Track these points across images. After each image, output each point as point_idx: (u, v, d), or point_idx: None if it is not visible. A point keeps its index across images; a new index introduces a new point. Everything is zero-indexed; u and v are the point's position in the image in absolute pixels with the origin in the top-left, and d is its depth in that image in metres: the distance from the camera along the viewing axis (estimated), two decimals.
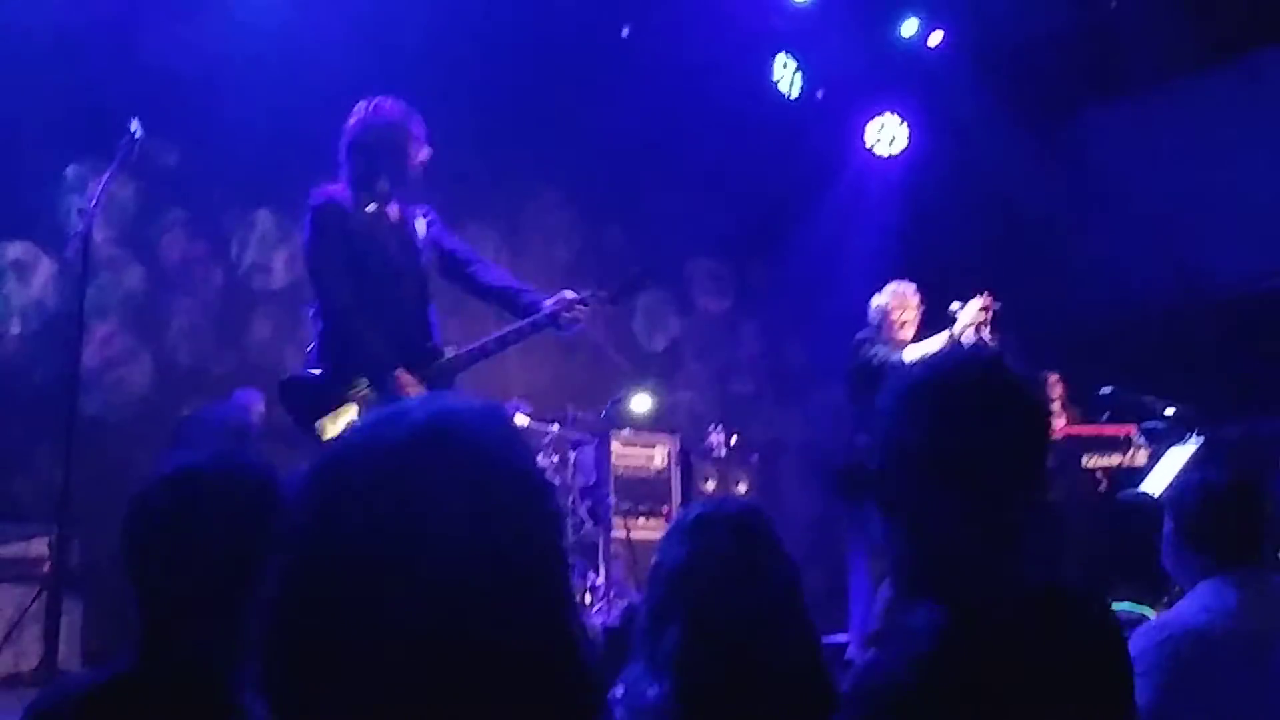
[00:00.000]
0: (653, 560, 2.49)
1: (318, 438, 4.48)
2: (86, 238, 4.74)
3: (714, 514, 2.43)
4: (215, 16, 7.26)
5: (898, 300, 6.97)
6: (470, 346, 4.80)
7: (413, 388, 4.51)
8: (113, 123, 4.92)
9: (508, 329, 4.85)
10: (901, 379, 2.02)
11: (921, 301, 7.03)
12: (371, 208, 4.70)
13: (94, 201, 4.81)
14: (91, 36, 6.91)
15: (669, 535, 2.46)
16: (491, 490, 1.17)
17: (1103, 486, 7.29)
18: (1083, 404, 8.00)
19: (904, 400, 1.96)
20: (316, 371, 4.63)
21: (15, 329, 6.80)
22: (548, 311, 4.78)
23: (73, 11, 6.85)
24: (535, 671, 1.14)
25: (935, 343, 6.58)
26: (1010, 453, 1.89)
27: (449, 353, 4.74)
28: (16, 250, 6.88)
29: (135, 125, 4.80)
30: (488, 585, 1.12)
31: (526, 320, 4.81)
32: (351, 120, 4.82)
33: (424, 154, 4.81)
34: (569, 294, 4.83)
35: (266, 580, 1.19)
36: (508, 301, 4.96)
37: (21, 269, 6.86)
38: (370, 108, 4.81)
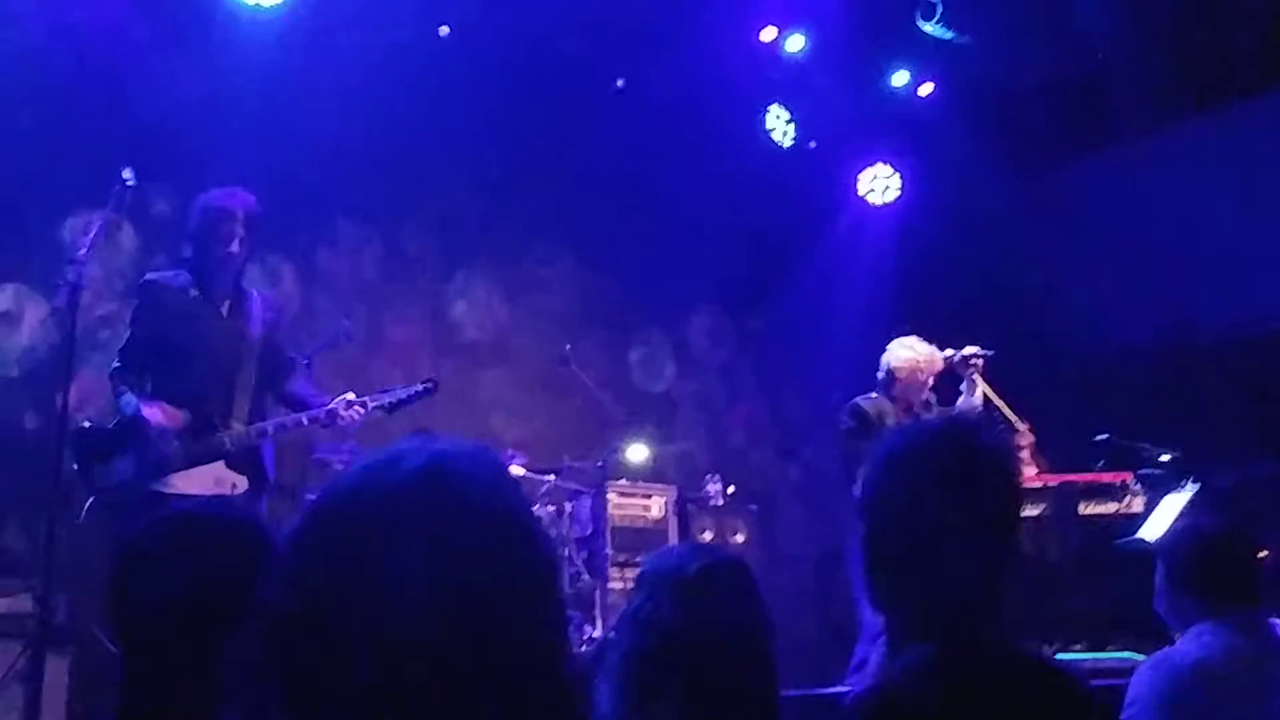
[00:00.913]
0: (631, 608, 2.41)
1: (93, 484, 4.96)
2: (76, 287, 4.73)
3: (714, 566, 2.37)
4: (205, 65, 7.28)
5: (915, 364, 6.92)
6: (249, 429, 5.15)
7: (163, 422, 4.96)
8: (111, 174, 4.94)
9: (286, 418, 5.29)
10: (882, 448, 2.15)
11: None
12: (193, 293, 5.16)
13: (85, 250, 4.81)
14: (86, 88, 6.95)
15: (659, 587, 2.36)
16: (486, 536, 1.16)
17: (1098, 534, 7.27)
18: (1075, 451, 7.97)
19: (883, 469, 2.09)
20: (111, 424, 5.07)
21: (12, 372, 6.78)
22: (325, 409, 5.25)
23: (66, 64, 6.89)
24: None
25: None
26: (977, 519, 1.99)
27: (235, 429, 5.09)
28: (8, 296, 6.87)
29: (128, 173, 4.84)
30: (483, 632, 1.11)
31: (305, 413, 5.29)
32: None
33: (234, 242, 5.20)
34: (351, 397, 5.28)
35: (256, 625, 1.17)
36: (299, 406, 5.43)
37: (10, 318, 6.85)
38: (199, 199, 5.25)
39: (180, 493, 4.86)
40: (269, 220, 7.56)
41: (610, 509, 8.05)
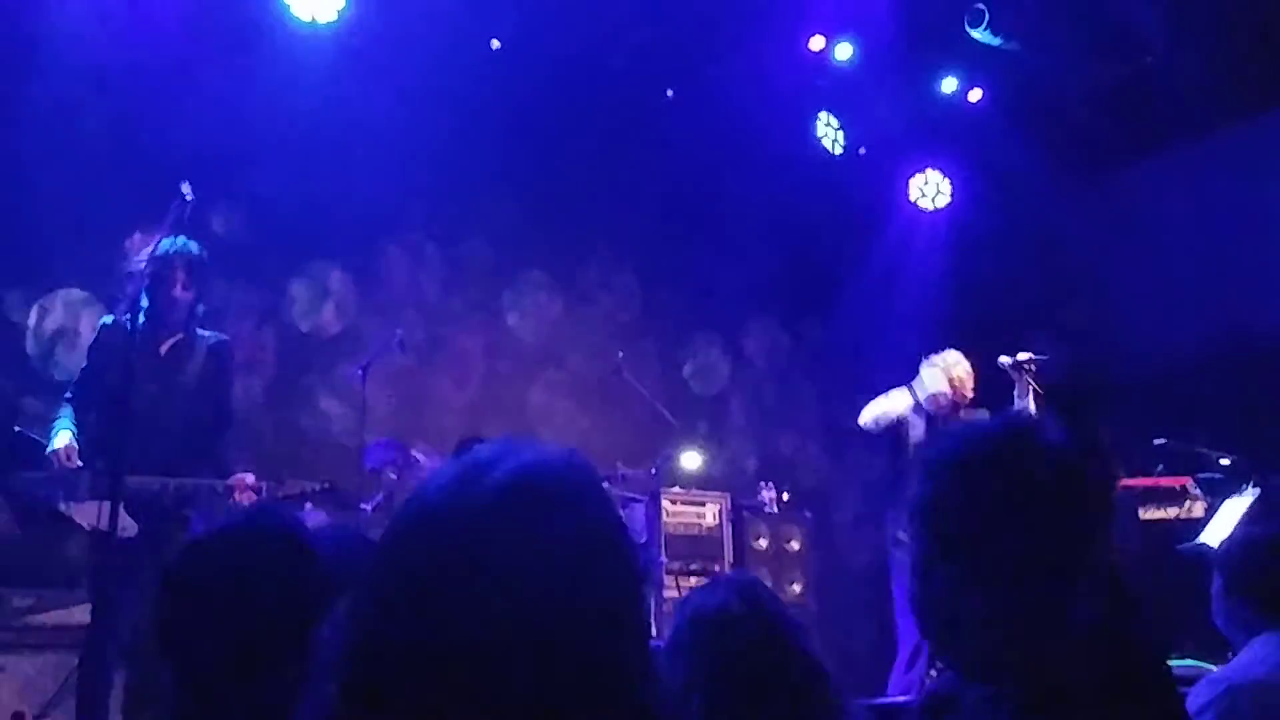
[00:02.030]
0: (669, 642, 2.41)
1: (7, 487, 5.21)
2: (136, 300, 4.77)
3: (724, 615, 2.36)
4: (262, 82, 7.36)
5: (948, 381, 6.92)
6: (149, 480, 5.13)
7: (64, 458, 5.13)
8: (170, 189, 4.98)
9: (185, 480, 5.24)
10: (934, 452, 1.97)
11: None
12: (137, 335, 5.09)
13: (144, 264, 4.85)
14: (145, 105, 7.04)
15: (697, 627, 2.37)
16: (574, 548, 1.14)
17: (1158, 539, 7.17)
18: (1135, 455, 7.88)
19: (936, 473, 1.91)
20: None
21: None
22: (209, 482, 5.27)
23: (126, 81, 6.99)
24: None
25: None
26: (1034, 529, 1.80)
27: (141, 479, 5.07)
28: (58, 313, 6.98)
29: (186, 188, 4.84)
30: (570, 645, 1.09)
31: (201, 482, 5.27)
32: None
33: (179, 286, 5.29)
34: (249, 478, 5.26)
35: (341, 640, 1.15)
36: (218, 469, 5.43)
37: (68, 333, 6.96)
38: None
39: (75, 519, 5.09)
40: (325, 233, 7.69)
41: (664, 516, 8.06)
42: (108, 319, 5.44)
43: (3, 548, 6.36)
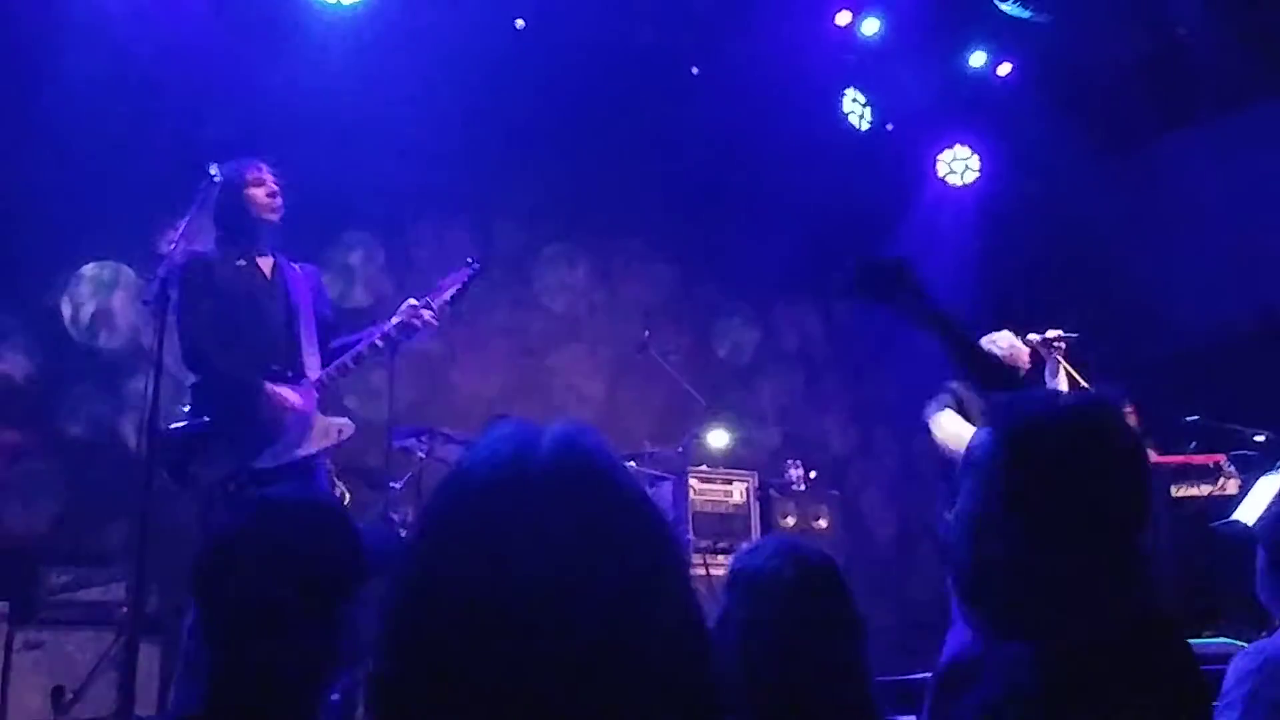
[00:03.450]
0: (723, 609, 2.40)
1: (194, 484, 4.80)
2: (165, 281, 4.77)
3: (809, 575, 2.34)
4: (287, 62, 7.38)
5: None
6: (327, 369, 5.06)
7: (290, 396, 4.88)
8: (198, 170, 4.98)
9: (360, 345, 5.11)
10: (1000, 425, 2.00)
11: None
12: (241, 263, 5.06)
13: (173, 245, 4.85)
14: (172, 86, 7.08)
15: (752, 591, 2.35)
16: (627, 515, 1.14)
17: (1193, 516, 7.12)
18: (1168, 433, 7.84)
19: (1002, 447, 1.94)
20: (204, 419, 4.86)
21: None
22: (395, 322, 5.12)
23: (153, 62, 7.02)
24: (674, 706, 1.10)
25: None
26: (1112, 497, 1.90)
27: (310, 376, 5.00)
28: (87, 290, 7.03)
29: (214, 169, 4.85)
30: (626, 618, 1.08)
31: (376, 332, 5.12)
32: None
33: (266, 196, 5.13)
34: (412, 301, 5.16)
35: (384, 617, 1.14)
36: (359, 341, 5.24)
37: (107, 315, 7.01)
38: (226, 172, 5.05)
39: (295, 459, 4.86)
40: (352, 213, 7.70)
41: (692, 495, 8.06)
42: (198, 249, 5.07)
43: (41, 528, 6.46)
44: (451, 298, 5.28)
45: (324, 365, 5.13)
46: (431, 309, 5.16)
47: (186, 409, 4.95)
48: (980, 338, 6.83)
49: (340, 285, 7.84)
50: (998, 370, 2.94)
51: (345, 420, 5.05)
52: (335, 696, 4.57)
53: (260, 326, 5.00)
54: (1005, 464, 1.92)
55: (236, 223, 5.09)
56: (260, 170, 5.15)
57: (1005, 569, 1.90)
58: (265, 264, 5.16)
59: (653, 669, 1.08)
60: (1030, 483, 1.89)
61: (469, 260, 5.39)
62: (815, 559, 2.40)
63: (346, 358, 5.08)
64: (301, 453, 4.89)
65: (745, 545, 2.81)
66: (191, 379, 4.99)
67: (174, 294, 4.82)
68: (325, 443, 4.97)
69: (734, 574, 2.45)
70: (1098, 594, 1.86)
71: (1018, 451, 1.92)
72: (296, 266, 5.29)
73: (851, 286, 2.76)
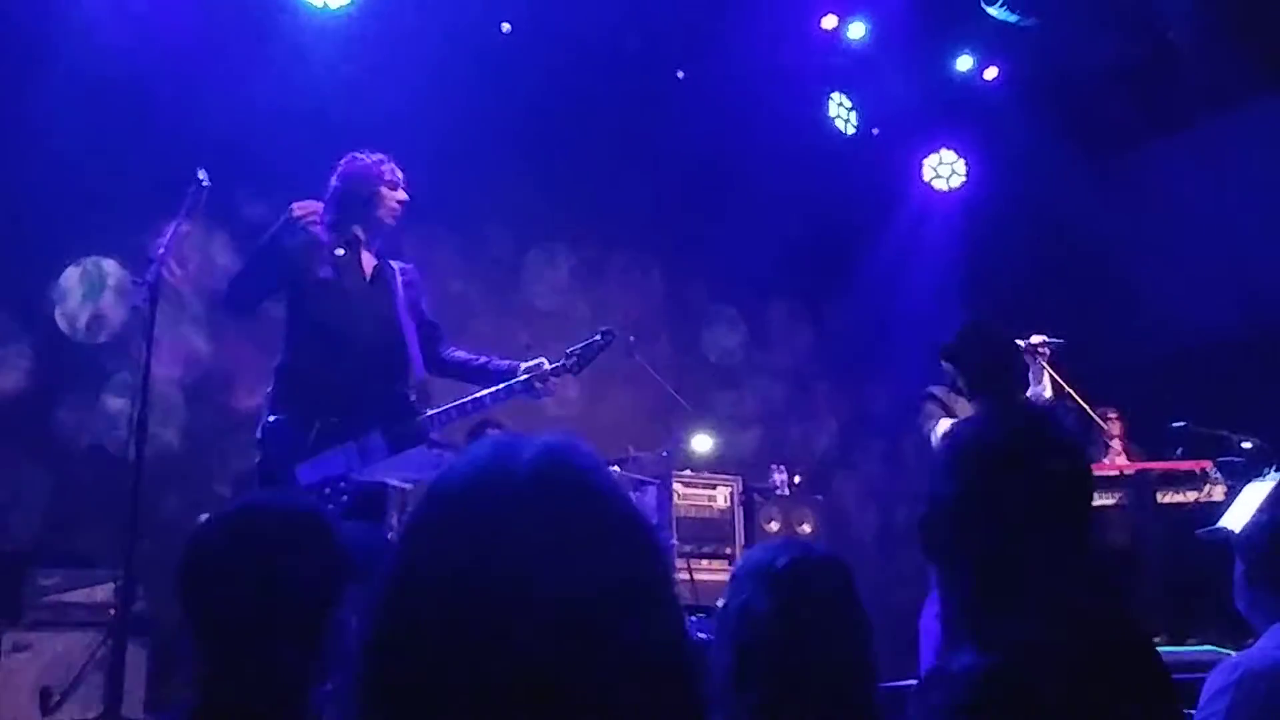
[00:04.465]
0: (724, 601, 2.42)
1: (295, 484, 4.59)
2: (155, 285, 4.76)
3: (807, 562, 2.36)
4: (275, 66, 7.37)
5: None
6: (447, 407, 4.89)
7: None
8: (188, 175, 4.95)
9: (485, 393, 4.94)
10: (949, 439, 2.09)
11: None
12: (341, 252, 4.89)
13: (163, 249, 4.83)
14: (162, 91, 7.06)
15: (748, 579, 2.37)
16: (612, 522, 1.15)
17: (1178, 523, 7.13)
18: (1154, 439, 7.87)
19: (947, 457, 2.05)
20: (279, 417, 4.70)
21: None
22: (523, 379, 4.96)
23: (142, 67, 7.00)
24: (658, 712, 1.11)
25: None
26: (1046, 506, 1.95)
27: (428, 411, 4.82)
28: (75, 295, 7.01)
29: (203, 174, 4.83)
30: (610, 626, 1.09)
31: (504, 386, 4.94)
32: (332, 172, 5.05)
33: (395, 201, 5.06)
34: (545, 364, 5.01)
35: (367, 621, 1.15)
36: (476, 374, 5.12)
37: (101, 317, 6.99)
38: (346, 160, 5.05)
39: (387, 482, 4.71)
40: None
41: (676, 499, 8.07)
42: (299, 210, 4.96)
43: (29, 529, 6.45)
44: (582, 366, 5.14)
45: (427, 367, 5.00)
46: (559, 376, 5.04)
47: (270, 396, 4.79)
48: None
49: None
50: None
51: (445, 455, 4.78)
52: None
53: (362, 328, 4.84)
54: (942, 476, 2.01)
55: (358, 212, 4.98)
56: (397, 174, 5.09)
57: (959, 579, 1.97)
58: (367, 262, 5.02)
59: (636, 675, 1.09)
60: (970, 494, 1.97)
61: (605, 330, 5.24)
62: (820, 556, 2.41)
63: (468, 402, 4.91)
64: (393, 479, 4.75)
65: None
66: (278, 362, 4.83)
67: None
68: (418, 476, 4.76)
69: (739, 566, 2.47)
70: (1053, 603, 1.90)
71: (950, 463, 2.01)
72: (395, 265, 5.14)
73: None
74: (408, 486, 4.91)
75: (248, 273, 4.93)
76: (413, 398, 4.80)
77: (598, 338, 5.17)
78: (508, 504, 1.12)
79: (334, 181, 5.02)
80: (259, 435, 4.70)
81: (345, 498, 4.57)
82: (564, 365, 5.04)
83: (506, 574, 1.08)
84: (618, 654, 1.08)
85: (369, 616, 1.14)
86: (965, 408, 6.38)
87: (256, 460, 4.72)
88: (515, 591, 1.07)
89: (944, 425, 6.38)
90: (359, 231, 4.98)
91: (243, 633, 2.04)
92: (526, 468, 1.15)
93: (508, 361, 5.11)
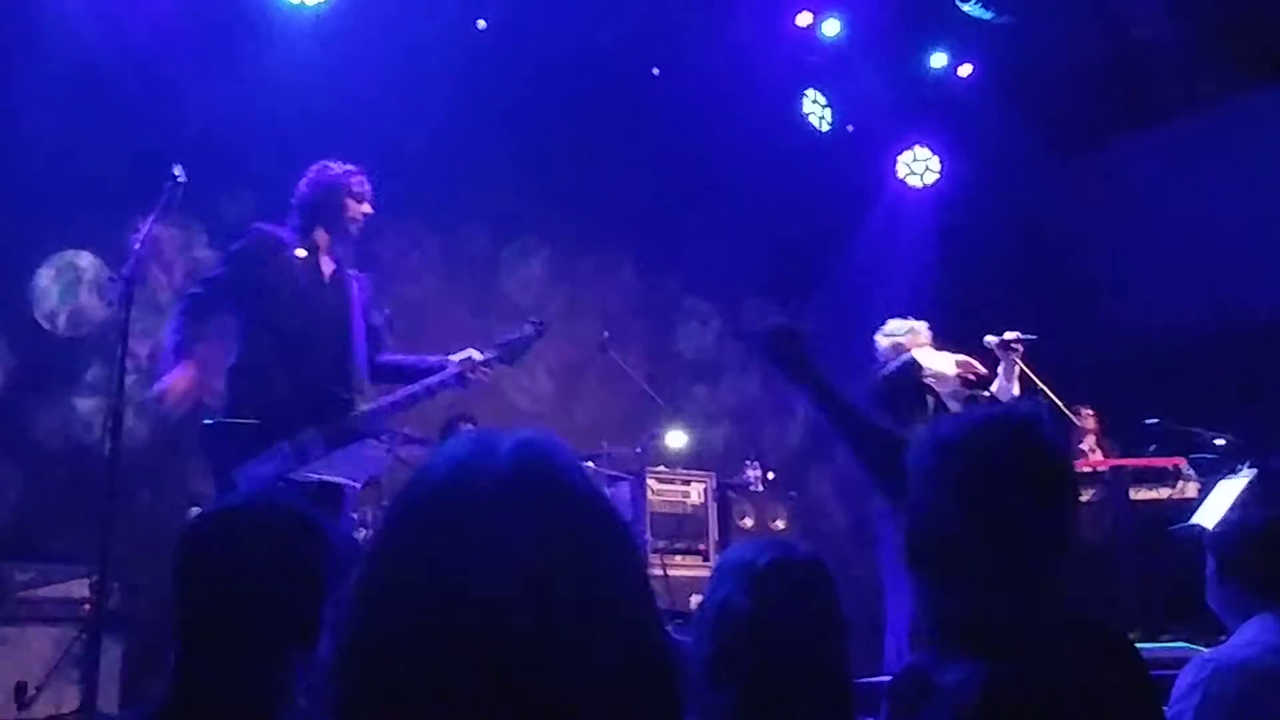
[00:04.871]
0: (703, 599, 2.43)
1: (233, 485, 4.64)
2: (130, 281, 4.73)
3: (789, 562, 2.37)
4: (250, 64, 7.35)
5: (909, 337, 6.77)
6: (381, 402, 4.99)
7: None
8: (164, 172, 4.92)
9: (417, 386, 5.04)
10: (931, 439, 2.06)
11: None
12: (303, 253, 4.98)
13: (138, 245, 4.80)
14: (137, 89, 7.01)
15: (729, 576, 2.38)
16: (588, 516, 1.16)
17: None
18: (1128, 435, 7.92)
19: (933, 460, 2.01)
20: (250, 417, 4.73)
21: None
22: (454, 371, 5.05)
23: (117, 64, 6.96)
24: (633, 706, 1.12)
25: (947, 362, 6.39)
26: (1038, 513, 1.94)
27: (361, 407, 4.88)
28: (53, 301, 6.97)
29: (178, 170, 4.80)
30: (586, 621, 1.09)
31: (435, 379, 5.04)
32: (302, 180, 5.13)
33: (360, 213, 5.12)
34: (474, 355, 5.09)
35: (343, 616, 1.15)
36: (411, 373, 5.19)
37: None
38: (317, 169, 5.13)
39: (325, 480, 4.71)
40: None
41: (650, 495, 8.07)
42: (264, 225, 5.05)
43: (3, 524, 6.41)
44: (511, 355, 5.27)
45: (369, 376, 5.08)
46: (490, 367, 5.14)
47: (224, 397, 4.81)
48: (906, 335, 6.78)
49: None
50: (876, 437, 3.00)
51: (390, 450, 4.99)
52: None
53: (314, 328, 4.89)
54: (928, 480, 2.00)
55: (324, 220, 5.06)
56: (365, 186, 5.16)
57: (949, 588, 1.96)
58: (326, 266, 5.09)
59: (612, 670, 1.10)
60: (950, 499, 1.96)
61: (536, 320, 5.36)
62: (800, 554, 2.42)
63: (401, 398, 5.03)
64: (329, 478, 4.75)
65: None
66: (231, 362, 4.88)
67: (213, 268, 4.85)
68: (359, 474, 4.89)
69: (721, 562, 2.48)
70: (1044, 606, 1.91)
71: (937, 467, 1.99)
72: (353, 273, 5.23)
73: (764, 351, 2.90)
74: (357, 485, 5.00)
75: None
76: (347, 396, 4.85)
77: (529, 328, 5.30)
78: (486, 499, 1.13)
79: (302, 188, 5.11)
80: (198, 438, 4.76)
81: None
82: (494, 355, 5.15)
83: (485, 569, 1.09)
84: (593, 649, 1.09)
85: (346, 612, 1.15)
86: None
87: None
88: (493, 586, 1.08)
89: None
90: (321, 237, 5.07)
91: (235, 629, 2.03)
92: (504, 463, 1.15)
93: (438, 357, 5.20)
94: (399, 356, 5.33)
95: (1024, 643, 1.87)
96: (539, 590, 1.08)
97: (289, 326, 4.85)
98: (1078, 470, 1.94)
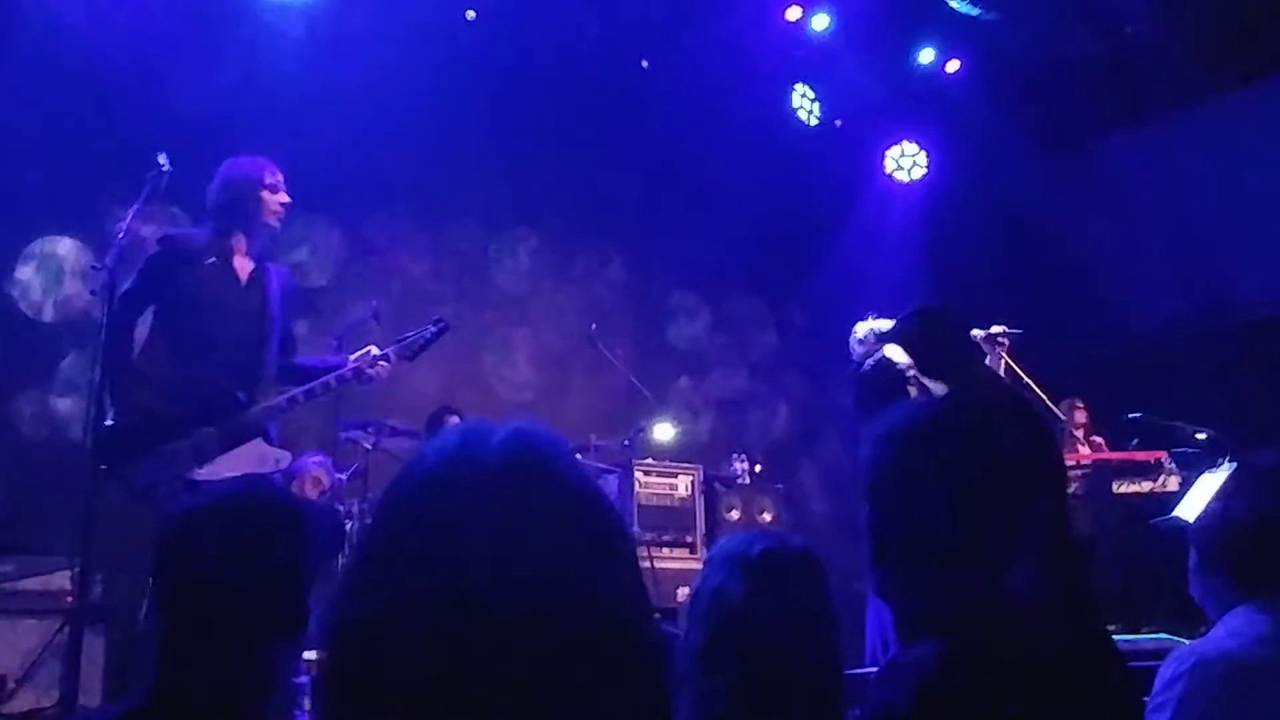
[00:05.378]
0: (695, 588, 2.43)
1: (130, 484, 4.66)
2: (113, 270, 4.71)
3: (781, 552, 2.37)
4: (237, 54, 7.32)
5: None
6: (279, 399, 4.94)
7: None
8: (149, 161, 4.90)
9: (314, 382, 5.01)
10: (883, 429, 2.02)
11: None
12: (213, 260, 4.90)
13: (121, 234, 4.78)
14: (123, 78, 6.99)
15: (722, 565, 2.38)
16: (581, 505, 1.17)
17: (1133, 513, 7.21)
18: (1111, 429, 7.94)
19: (883, 450, 1.97)
20: (146, 418, 4.74)
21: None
22: (351, 367, 5.05)
23: (103, 54, 6.94)
24: (622, 700, 1.12)
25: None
26: (989, 502, 1.88)
27: (267, 403, 4.88)
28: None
29: (163, 159, 4.78)
30: (577, 611, 1.10)
31: (332, 374, 5.03)
32: (214, 180, 5.04)
33: (277, 204, 5.04)
34: (373, 350, 5.12)
35: (337, 605, 1.15)
36: (314, 372, 5.15)
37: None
38: (226, 165, 5.04)
39: (223, 478, 4.59)
40: (305, 206, 7.65)
41: (637, 488, 8.08)
42: (174, 232, 5.06)
43: None
44: (413, 352, 5.27)
45: (278, 381, 5.04)
46: (389, 361, 5.14)
47: (120, 401, 4.77)
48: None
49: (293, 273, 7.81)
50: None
51: (283, 452, 4.94)
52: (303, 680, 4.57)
53: (222, 333, 4.85)
54: (883, 469, 1.97)
55: (241, 220, 4.98)
56: (277, 176, 5.06)
57: (896, 572, 1.94)
58: (243, 267, 5.01)
59: (603, 661, 1.10)
60: (901, 487, 1.93)
61: (436, 320, 5.37)
62: (792, 546, 2.42)
63: (299, 393, 4.98)
64: (228, 474, 4.70)
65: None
66: (134, 369, 4.85)
67: (129, 281, 4.76)
68: (258, 469, 4.83)
69: (714, 551, 2.48)
70: (976, 598, 1.86)
71: (891, 456, 1.96)
72: (272, 268, 5.15)
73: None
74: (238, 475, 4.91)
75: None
76: (244, 396, 4.82)
77: (431, 328, 5.32)
78: (479, 489, 1.13)
79: (214, 189, 5.03)
80: (93, 440, 4.69)
81: (181, 497, 4.51)
82: (392, 351, 5.17)
83: (478, 558, 1.09)
84: (584, 637, 1.09)
85: (338, 601, 1.15)
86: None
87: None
88: (486, 575, 1.08)
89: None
90: (238, 239, 5.00)
91: (219, 620, 2.04)
92: (496, 454, 1.16)
93: (341, 355, 5.24)
94: (309, 359, 5.33)
95: (985, 625, 1.86)
96: (531, 580, 1.09)
97: (190, 332, 4.81)
98: (1050, 459, 1.93)
